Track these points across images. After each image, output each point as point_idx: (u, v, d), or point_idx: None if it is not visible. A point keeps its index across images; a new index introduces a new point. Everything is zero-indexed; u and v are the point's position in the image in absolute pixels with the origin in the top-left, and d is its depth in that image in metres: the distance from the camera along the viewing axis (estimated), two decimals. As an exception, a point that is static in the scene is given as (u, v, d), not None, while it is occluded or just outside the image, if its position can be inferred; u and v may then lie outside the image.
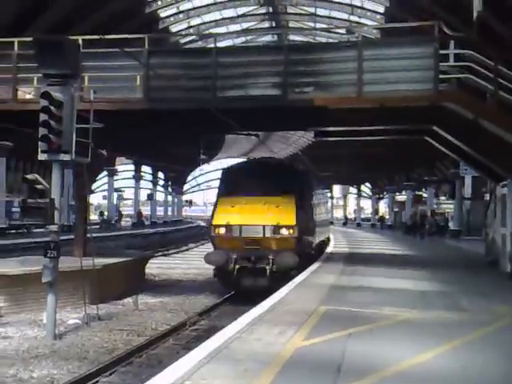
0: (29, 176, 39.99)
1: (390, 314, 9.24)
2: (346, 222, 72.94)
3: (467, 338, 7.72)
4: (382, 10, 37.40)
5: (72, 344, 10.54)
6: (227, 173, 18.14)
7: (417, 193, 54.95)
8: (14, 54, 15.12)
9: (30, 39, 12.11)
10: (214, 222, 16.09)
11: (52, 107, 10.50)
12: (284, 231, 15.44)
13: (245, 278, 15.36)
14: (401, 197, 61.51)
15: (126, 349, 10.28)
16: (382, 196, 72.03)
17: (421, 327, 8.42)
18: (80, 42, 13.33)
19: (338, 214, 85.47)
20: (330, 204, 28.46)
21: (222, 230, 15.85)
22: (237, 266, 15.23)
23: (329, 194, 59.48)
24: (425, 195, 54.00)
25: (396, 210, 62.74)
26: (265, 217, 15.62)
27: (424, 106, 14.15)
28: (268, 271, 15.07)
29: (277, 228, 15.40)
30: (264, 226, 15.40)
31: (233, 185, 16.95)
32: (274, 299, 10.63)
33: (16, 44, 15.11)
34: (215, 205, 16.93)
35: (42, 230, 30.48)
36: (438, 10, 28.00)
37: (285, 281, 13.46)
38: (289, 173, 17.55)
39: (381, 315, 9.14)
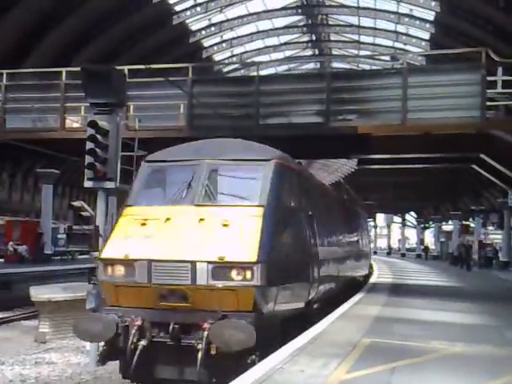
0: (75, 203, 40.79)
1: (437, 348, 8.93)
2: (389, 251, 71.90)
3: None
4: (427, 36, 37.25)
5: (114, 371, 10.49)
6: (147, 164, 10.00)
7: (464, 223, 53.86)
8: (62, 83, 15.53)
9: (77, 69, 12.40)
10: (105, 255, 8.84)
11: (98, 136, 10.69)
12: (235, 275, 8.19)
13: (158, 363, 8.40)
14: (447, 226, 60.39)
15: (166, 377, 10.19)
16: (427, 225, 70.84)
17: (468, 362, 8.10)
18: (126, 71, 13.61)
19: (382, 243, 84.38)
20: (366, 229, 26.34)
21: (119, 271, 8.60)
22: (142, 343, 8.08)
23: (370, 221, 58.78)
24: (472, 225, 52.85)
25: (442, 240, 61.57)
26: (199, 245, 8.39)
27: (471, 134, 13.92)
28: (201, 353, 7.87)
29: (220, 268, 8.17)
30: (194, 264, 8.18)
31: (151, 186, 9.74)
32: (316, 330, 10.42)
33: (64, 74, 15.53)
34: (116, 221, 9.59)
35: (86, 256, 30.90)
36: (485, 36, 27.72)
37: (233, 373, 7.31)
38: (259, 167, 9.43)
39: (427, 348, 8.84)
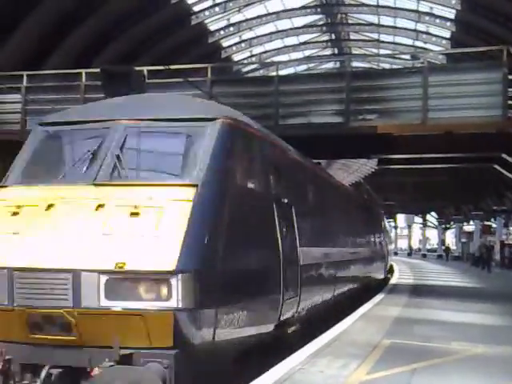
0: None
1: (458, 349, 8.85)
2: (410, 252, 71.50)
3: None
4: (448, 34, 36.90)
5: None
6: (40, 128, 7.26)
7: (486, 223, 53.37)
8: (82, 84, 15.64)
9: (97, 70, 12.48)
10: None
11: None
12: (143, 291, 5.35)
13: None
14: (469, 227, 59.91)
15: None
16: (448, 226, 70.32)
17: (490, 363, 8.01)
18: (145, 72, 13.67)
19: (403, 244, 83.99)
20: (384, 229, 25.88)
21: None
22: None
23: (390, 221, 58.37)
24: (494, 225, 52.36)
25: (464, 240, 61.06)
26: (88, 246, 5.53)
27: (492, 133, 13.78)
28: None
29: (119, 281, 5.36)
30: (78, 274, 5.35)
31: (41, 158, 6.88)
32: (336, 330, 10.38)
33: (84, 75, 15.63)
34: None
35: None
36: (506, 34, 27.41)
37: None
38: (198, 129, 6.48)
39: (448, 350, 8.77)
